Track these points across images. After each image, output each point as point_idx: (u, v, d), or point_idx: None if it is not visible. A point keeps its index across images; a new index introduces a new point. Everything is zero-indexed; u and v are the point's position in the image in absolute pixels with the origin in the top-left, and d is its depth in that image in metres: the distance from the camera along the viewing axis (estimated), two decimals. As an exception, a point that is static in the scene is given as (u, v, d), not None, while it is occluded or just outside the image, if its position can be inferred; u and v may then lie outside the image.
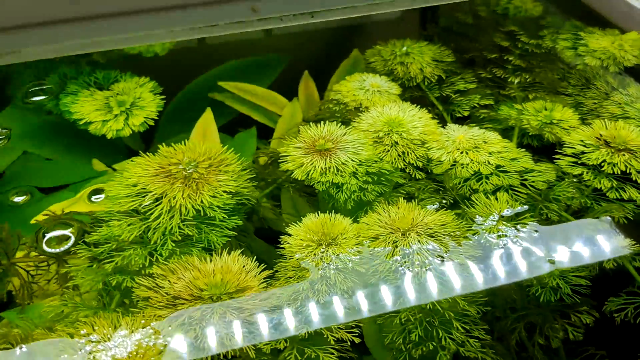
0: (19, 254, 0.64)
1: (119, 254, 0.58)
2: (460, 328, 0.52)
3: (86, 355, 0.48)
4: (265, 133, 0.86)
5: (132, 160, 0.67)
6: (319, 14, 0.62)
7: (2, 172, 0.80)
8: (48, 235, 0.60)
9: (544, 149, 0.73)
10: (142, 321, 0.50)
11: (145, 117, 0.78)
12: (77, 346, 0.49)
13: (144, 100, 0.79)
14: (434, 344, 0.51)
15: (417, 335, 0.52)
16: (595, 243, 0.58)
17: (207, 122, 0.84)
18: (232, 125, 0.89)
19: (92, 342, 0.48)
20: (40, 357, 0.48)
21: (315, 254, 0.56)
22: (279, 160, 0.68)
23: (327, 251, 0.56)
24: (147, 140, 0.90)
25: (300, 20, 0.63)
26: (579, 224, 0.60)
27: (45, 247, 0.59)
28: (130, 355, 0.47)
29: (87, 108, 0.77)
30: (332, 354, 0.51)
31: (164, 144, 0.71)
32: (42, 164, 0.84)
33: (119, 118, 0.77)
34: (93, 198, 0.68)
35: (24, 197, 0.69)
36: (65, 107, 0.78)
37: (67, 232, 0.62)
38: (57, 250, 0.59)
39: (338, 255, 0.56)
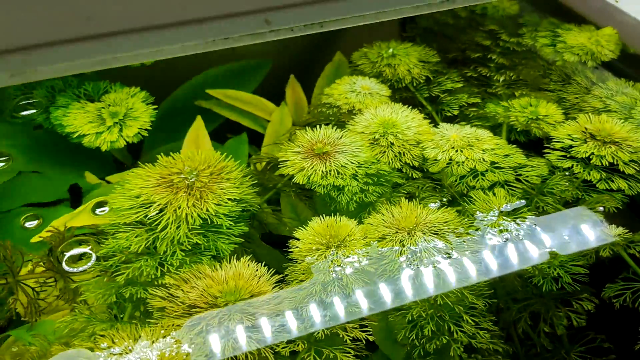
0: (22, 271, 0.64)
1: (129, 265, 0.58)
2: (470, 321, 0.54)
3: (109, 368, 0.48)
4: (253, 138, 0.87)
5: (132, 172, 0.68)
6: (328, 23, 0.64)
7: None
8: (67, 254, 0.60)
9: (530, 144, 0.76)
10: (162, 331, 0.51)
11: (139, 128, 0.78)
12: (99, 360, 0.49)
13: (136, 110, 0.79)
14: (447, 337, 0.53)
15: (429, 330, 0.54)
16: (590, 233, 0.61)
17: (198, 130, 0.85)
18: (218, 132, 0.90)
19: (114, 354, 0.49)
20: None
21: (325, 257, 0.57)
22: (279, 165, 0.69)
23: (337, 253, 0.58)
24: (134, 150, 0.90)
25: (310, 30, 0.64)
26: (573, 215, 0.63)
27: (65, 266, 0.59)
28: (154, 365, 0.48)
29: (80, 121, 0.77)
30: (349, 353, 0.52)
31: (162, 154, 0.71)
32: (34, 180, 0.83)
33: (112, 130, 0.77)
34: (97, 211, 0.68)
35: (36, 221, 0.68)
36: (57, 121, 0.78)
37: (78, 248, 0.62)
38: (82, 268, 0.59)
39: (348, 256, 0.57)
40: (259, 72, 1.02)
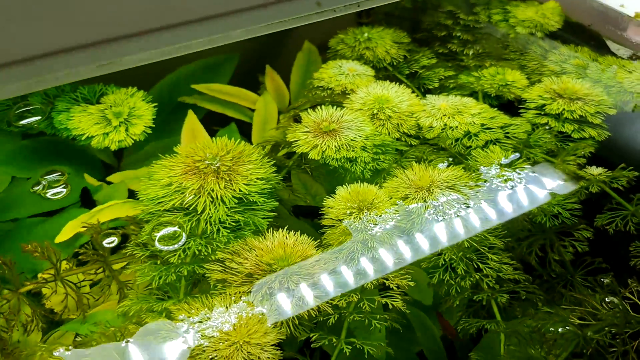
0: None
1: (179, 247, 0.62)
2: (494, 258, 0.62)
3: (194, 334, 0.52)
4: (239, 127, 0.92)
5: (157, 163, 0.71)
6: (364, 2, 0.69)
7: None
8: (158, 235, 0.63)
9: (502, 106, 0.85)
10: (232, 298, 0.55)
11: (144, 126, 0.81)
12: (181, 330, 0.53)
13: (139, 109, 0.82)
14: (478, 274, 0.61)
15: (462, 269, 0.61)
16: (575, 174, 0.71)
17: (192, 124, 0.88)
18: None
19: (194, 323, 0.53)
20: (150, 346, 0.52)
21: (360, 218, 0.64)
22: (293, 146, 0.75)
23: (370, 214, 0.64)
24: (117, 153, 0.92)
25: (349, 10, 0.70)
26: (559, 161, 0.72)
27: (159, 245, 0.62)
28: (236, 327, 0.53)
29: (86, 123, 0.79)
30: (397, 298, 0.59)
31: (180, 147, 0.75)
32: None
33: (119, 129, 0.80)
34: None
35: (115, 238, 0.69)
36: (62, 125, 0.79)
37: (170, 227, 0.64)
38: (174, 247, 0.62)
39: (380, 216, 0.64)
40: (228, 66, 1.06)
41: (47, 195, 0.74)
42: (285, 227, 0.65)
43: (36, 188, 0.75)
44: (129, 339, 0.53)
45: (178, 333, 0.53)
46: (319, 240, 0.64)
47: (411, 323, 0.66)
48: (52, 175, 0.78)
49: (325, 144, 0.73)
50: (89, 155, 0.89)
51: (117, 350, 0.52)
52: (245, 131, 0.91)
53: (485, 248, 0.62)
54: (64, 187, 0.75)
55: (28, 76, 0.56)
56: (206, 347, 0.52)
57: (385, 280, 0.60)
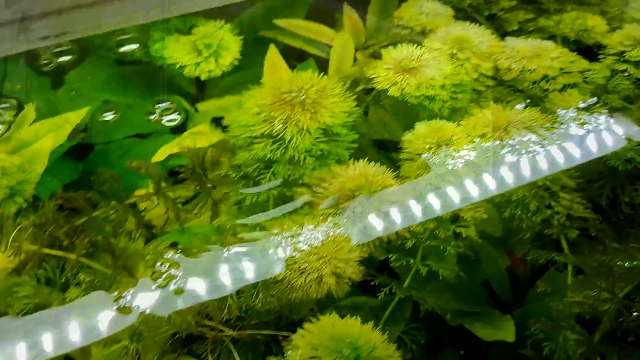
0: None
1: (268, 170, 0.68)
2: (566, 197, 0.65)
3: (288, 247, 0.58)
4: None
5: (248, 93, 0.76)
6: None
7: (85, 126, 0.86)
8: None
9: (580, 51, 0.86)
10: (320, 218, 0.61)
11: (233, 58, 0.85)
12: (276, 242, 0.59)
13: (227, 41, 0.87)
14: (549, 211, 0.65)
15: (535, 205, 0.65)
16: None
17: (274, 58, 0.92)
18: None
19: (286, 237, 0.59)
20: (247, 255, 0.59)
21: (438, 153, 0.68)
22: (373, 82, 0.78)
23: (448, 150, 0.68)
24: (198, 84, 0.97)
25: None
26: (637, 107, 0.74)
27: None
28: (324, 243, 0.58)
29: (179, 52, 0.84)
30: (468, 227, 0.63)
31: (265, 78, 0.79)
32: (126, 113, 0.89)
33: (209, 60, 0.85)
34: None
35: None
36: (157, 54, 0.85)
37: None
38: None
39: (457, 152, 0.68)
40: (302, 4, 1.08)
41: (163, 122, 0.81)
42: (366, 159, 0.69)
43: (152, 117, 0.82)
44: (229, 247, 0.59)
45: (273, 244, 0.59)
46: (396, 172, 0.69)
47: (479, 254, 0.70)
48: (163, 104, 0.84)
49: (405, 81, 0.76)
50: (176, 84, 0.95)
51: (217, 257, 0.59)
52: (321, 67, 0.94)
53: (558, 187, 0.66)
54: (177, 114, 0.81)
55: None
56: (298, 258, 0.58)
57: (459, 212, 0.65)
